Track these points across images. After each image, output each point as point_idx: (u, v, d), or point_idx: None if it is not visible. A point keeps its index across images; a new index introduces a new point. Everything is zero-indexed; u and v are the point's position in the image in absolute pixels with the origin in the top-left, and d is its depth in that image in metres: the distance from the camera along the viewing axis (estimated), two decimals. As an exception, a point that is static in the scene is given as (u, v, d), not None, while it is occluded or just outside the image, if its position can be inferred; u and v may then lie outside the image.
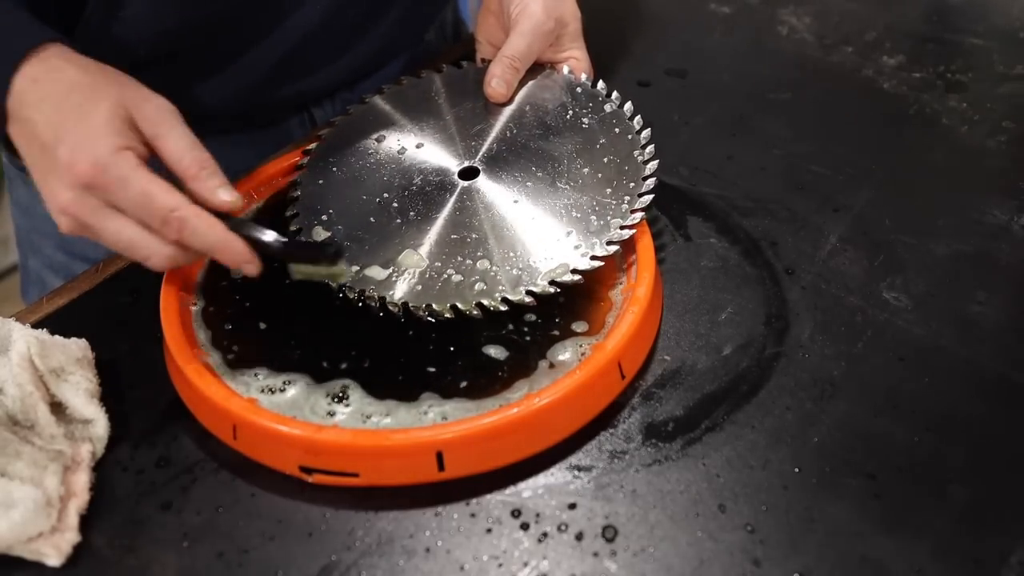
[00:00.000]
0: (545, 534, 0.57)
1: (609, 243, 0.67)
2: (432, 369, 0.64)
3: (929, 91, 0.90)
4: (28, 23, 0.64)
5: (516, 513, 0.58)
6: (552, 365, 0.63)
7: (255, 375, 0.64)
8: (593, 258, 0.66)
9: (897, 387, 0.64)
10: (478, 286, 0.66)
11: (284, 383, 0.63)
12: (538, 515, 0.58)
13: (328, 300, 0.68)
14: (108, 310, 0.72)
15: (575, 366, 0.62)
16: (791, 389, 0.64)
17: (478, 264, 0.67)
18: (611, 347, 0.62)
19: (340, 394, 0.62)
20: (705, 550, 0.55)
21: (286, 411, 0.61)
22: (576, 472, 0.60)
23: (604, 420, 0.62)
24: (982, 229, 0.75)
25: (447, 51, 0.96)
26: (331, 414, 0.61)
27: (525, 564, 0.55)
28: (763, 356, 0.66)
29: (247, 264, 0.62)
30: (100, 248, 0.81)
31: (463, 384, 0.63)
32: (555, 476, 0.60)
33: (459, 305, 0.65)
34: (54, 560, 0.56)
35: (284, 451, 0.60)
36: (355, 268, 0.68)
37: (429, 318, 0.65)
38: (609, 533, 0.56)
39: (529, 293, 0.65)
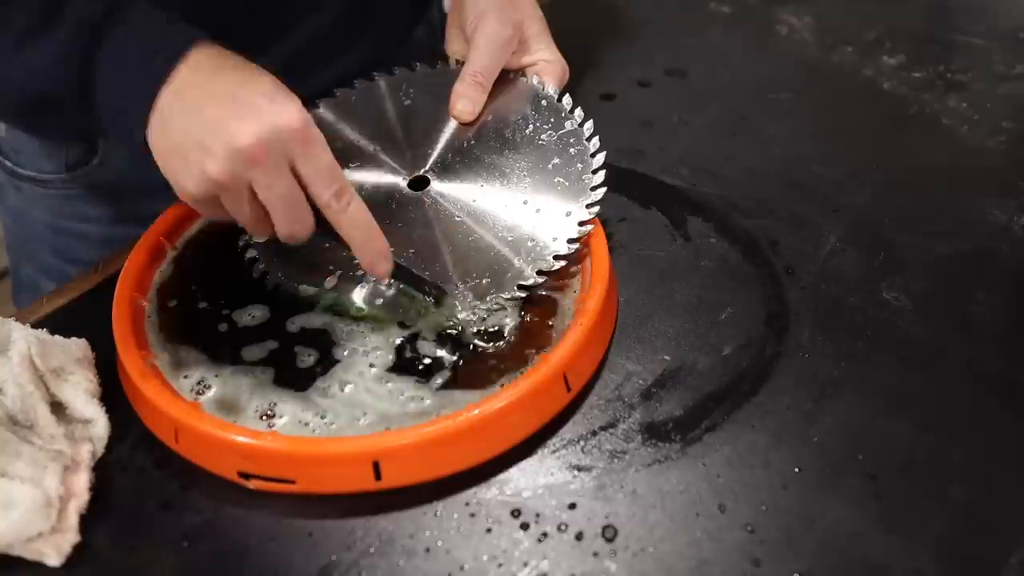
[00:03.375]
0: (545, 534, 0.57)
1: (540, 272, 0.67)
2: (375, 368, 0.64)
3: (929, 91, 0.90)
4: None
5: (516, 513, 0.58)
6: (500, 374, 0.63)
7: (204, 375, 0.64)
8: (522, 288, 0.67)
9: (897, 387, 0.64)
10: (428, 302, 0.67)
11: (214, 379, 0.64)
12: (538, 515, 0.58)
13: (282, 299, 0.69)
14: (108, 310, 0.72)
15: (519, 376, 0.61)
16: (791, 389, 0.64)
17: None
18: (555, 360, 0.61)
19: (270, 411, 0.62)
20: (705, 550, 0.55)
21: (227, 414, 0.61)
22: (576, 472, 0.60)
23: (604, 420, 0.62)
24: (982, 229, 0.75)
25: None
26: (269, 415, 0.62)
27: (525, 564, 0.55)
28: (763, 356, 0.66)
29: (382, 259, 0.64)
30: (95, 251, 0.81)
31: (409, 386, 0.63)
32: (555, 476, 0.59)
33: (405, 322, 0.66)
34: (54, 560, 0.56)
35: (223, 456, 0.59)
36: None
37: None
38: (609, 533, 0.56)
39: (475, 311, 0.66)
